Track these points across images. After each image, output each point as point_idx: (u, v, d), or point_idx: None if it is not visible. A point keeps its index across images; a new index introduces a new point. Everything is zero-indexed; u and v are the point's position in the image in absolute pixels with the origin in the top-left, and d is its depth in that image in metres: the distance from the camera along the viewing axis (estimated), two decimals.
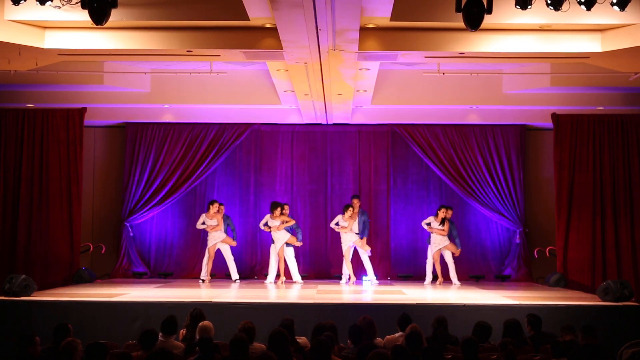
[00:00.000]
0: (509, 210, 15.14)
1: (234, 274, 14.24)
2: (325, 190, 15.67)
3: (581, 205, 14.35)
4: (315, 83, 11.95)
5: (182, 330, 7.94)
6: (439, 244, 14.04)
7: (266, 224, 13.96)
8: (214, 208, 14.03)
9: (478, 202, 15.19)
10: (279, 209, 13.90)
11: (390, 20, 9.74)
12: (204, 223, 14.14)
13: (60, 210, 14.44)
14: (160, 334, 7.19)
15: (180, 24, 10.19)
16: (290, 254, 14.12)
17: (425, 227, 14.20)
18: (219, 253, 14.29)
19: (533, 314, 8.20)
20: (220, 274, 14.73)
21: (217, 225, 14.04)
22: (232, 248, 14.36)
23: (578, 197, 14.37)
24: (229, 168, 15.77)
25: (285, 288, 13.27)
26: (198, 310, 7.81)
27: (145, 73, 13.53)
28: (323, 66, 10.93)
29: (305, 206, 15.64)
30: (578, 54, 10.73)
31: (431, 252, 14.15)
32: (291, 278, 14.18)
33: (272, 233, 13.95)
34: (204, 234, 15.44)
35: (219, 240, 14.15)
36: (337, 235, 15.54)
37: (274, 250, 14.05)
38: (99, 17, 8.02)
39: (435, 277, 14.20)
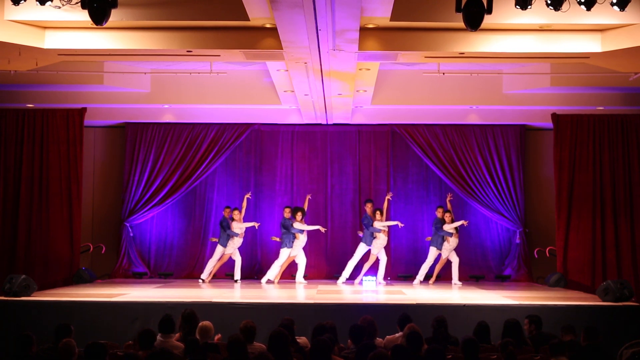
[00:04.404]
0: (509, 210, 15.14)
1: (238, 275, 14.22)
2: (325, 190, 15.65)
3: (581, 205, 14.33)
4: (315, 83, 11.95)
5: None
6: (453, 246, 14.06)
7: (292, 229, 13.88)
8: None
9: (478, 202, 15.19)
10: (300, 213, 13.90)
11: (390, 20, 9.75)
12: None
13: (60, 210, 14.44)
14: (159, 334, 7.18)
15: (180, 24, 10.20)
16: (302, 255, 14.14)
17: (452, 230, 14.04)
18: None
19: (534, 314, 8.19)
20: (220, 274, 14.72)
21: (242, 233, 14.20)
22: None
23: (578, 197, 14.36)
24: (229, 168, 15.76)
25: (285, 288, 13.26)
26: (189, 310, 7.75)
27: (145, 73, 13.53)
28: (323, 66, 10.93)
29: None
30: (578, 54, 10.73)
31: (445, 255, 14.06)
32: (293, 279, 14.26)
33: (299, 236, 13.88)
34: (204, 234, 15.47)
35: (237, 246, 14.21)
36: (337, 235, 15.55)
37: (285, 253, 13.96)
38: (99, 17, 8.02)
39: (429, 277, 14.29)
